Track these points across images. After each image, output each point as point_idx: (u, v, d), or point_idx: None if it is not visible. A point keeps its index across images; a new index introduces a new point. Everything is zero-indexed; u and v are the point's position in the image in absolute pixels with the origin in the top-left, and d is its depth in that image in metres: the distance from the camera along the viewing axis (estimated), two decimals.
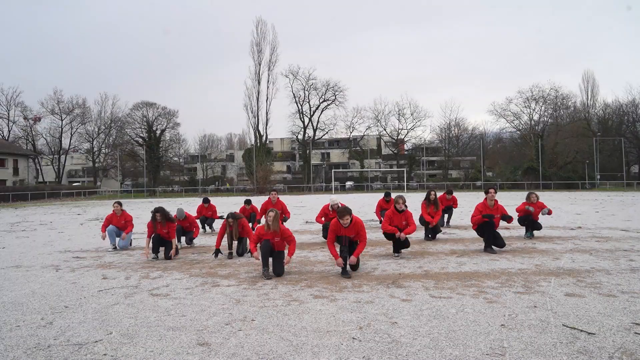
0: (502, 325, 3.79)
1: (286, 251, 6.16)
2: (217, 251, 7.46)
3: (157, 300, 4.82)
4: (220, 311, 4.37)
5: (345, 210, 6.11)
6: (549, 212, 9.56)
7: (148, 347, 3.45)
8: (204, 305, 4.59)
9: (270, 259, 6.04)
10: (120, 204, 9.22)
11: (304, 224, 13.51)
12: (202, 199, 12.20)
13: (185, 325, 3.95)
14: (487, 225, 7.76)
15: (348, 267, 6.07)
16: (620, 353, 3.16)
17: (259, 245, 6.20)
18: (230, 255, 7.60)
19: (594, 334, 3.55)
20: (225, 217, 7.97)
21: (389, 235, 7.40)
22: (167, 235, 7.76)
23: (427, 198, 9.77)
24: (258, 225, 6.37)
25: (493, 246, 7.73)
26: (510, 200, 21.59)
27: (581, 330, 3.62)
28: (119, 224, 9.03)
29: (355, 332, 3.68)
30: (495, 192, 8.15)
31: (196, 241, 9.74)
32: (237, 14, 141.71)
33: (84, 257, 7.98)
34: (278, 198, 11.31)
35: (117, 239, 8.99)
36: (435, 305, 4.43)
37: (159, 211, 7.76)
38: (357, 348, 3.34)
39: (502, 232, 10.16)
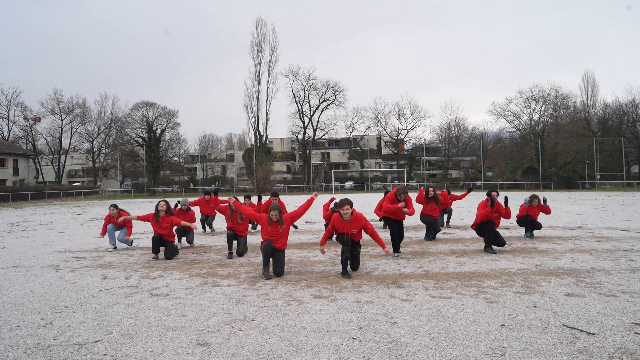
0: (502, 325, 3.80)
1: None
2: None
3: (157, 300, 4.82)
4: (220, 311, 4.37)
5: (345, 200, 6.18)
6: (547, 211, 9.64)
7: (148, 347, 3.45)
8: (204, 305, 4.59)
9: (271, 259, 6.05)
10: (116, 206, 9.08)
11: (304, 224, 13.51)
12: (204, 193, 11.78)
13: (185, 325, 3.95)
14: (487, 225, 7.76)
15: (348, 267, 6.07)
16: (620, 353, 3.16)
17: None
18: (230, 256, 7.60)
19: (594, 334, 3.55)
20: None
21: (389, 219, 7.48)
22: (166, 230, 7.76)
23: (426, 195, 9.64)
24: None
25: (494, 246, 7.72)
26: (510, 201, 21.63)
27: (581, 330, 3.62)
28: (118, 224, 9.04)
29: (355, 332, 3.68)
30: (497, 195, 8.03)
31: (196, 241, 9.74)
32: (237, 14, 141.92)
33: (84, 257, 7.98)
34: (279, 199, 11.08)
35: (117, 232, 9.00)
36: (435, 305, 4.42)
37: (164, 200, 8.00)
38: (357, 348, 3.34)
39: (502, 232, 10.17)
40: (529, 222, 9.45)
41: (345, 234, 6.10)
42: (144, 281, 5.84)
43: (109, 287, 5.49)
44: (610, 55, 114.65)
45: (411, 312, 4.21)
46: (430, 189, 9.83)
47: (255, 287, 5.35)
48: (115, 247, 8.82)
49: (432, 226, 9.43)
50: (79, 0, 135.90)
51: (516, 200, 24.49)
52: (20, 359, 3.26)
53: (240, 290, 5.25)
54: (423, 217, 9.72)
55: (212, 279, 5.92)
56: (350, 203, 6.15)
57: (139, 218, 8.32)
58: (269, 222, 6.14)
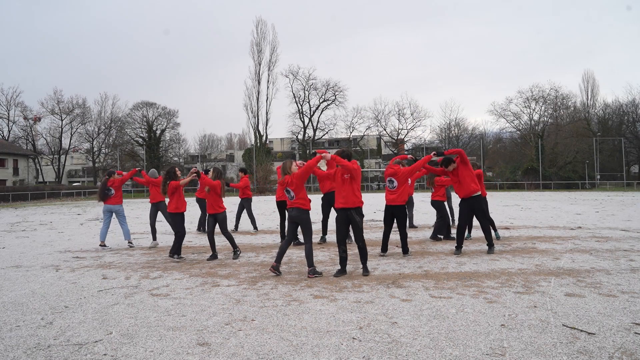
0: (502, 325, 3.80)
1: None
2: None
3: (157, 300, 4.82)
4: (220, 311, 4.37)
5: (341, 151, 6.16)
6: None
7: (148, 347, 3.45)
8: (204, 305, 4.59)
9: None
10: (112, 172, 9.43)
11: None
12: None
13: (185, 325, 3.95)
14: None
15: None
16: (620, 353, 3.16)
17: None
18: (212, 257, 7.50)
19: (594, 334, 3.55)
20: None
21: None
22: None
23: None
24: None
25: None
26: (510, 200, 21.60)
27: (581, 330, 3.62)
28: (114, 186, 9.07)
29: (355, 332, 3.68)
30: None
31: (196, 241, 9.74)
32: (237, 14, 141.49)
33: (84, 257, 7.98)
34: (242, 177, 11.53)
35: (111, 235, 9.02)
36: (435, 305, 4.43)
37: (176, 166, 8.27)
38: (357, 348, 3.34)
39: (502, 232, 10.16)
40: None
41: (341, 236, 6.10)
42: (144, 281, 5.84)
43: (109, 287, 5.49)
44: (610, 55, 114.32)
45: (411, 312, 4.21)
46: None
47: (255, 287, 5.35)
48: (105, 246, 8.80)
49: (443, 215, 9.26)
50: (79, 0, 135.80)
51: (515, 200, 24.45)
52: (20, 359, 3.26)
53: (240, 290, 5.25)
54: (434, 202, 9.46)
55: (212, 279, 5.92)
56: (341, 152, 6.14)
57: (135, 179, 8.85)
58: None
